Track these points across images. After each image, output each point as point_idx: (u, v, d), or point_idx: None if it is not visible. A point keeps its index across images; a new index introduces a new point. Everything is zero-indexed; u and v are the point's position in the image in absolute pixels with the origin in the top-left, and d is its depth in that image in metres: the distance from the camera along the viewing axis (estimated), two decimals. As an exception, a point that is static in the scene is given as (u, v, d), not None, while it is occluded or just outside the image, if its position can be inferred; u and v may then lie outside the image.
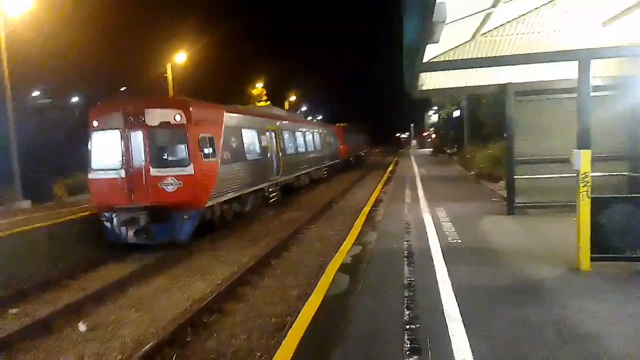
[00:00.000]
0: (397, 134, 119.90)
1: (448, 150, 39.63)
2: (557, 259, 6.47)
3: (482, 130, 25.95)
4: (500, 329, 4.44)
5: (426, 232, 8.72)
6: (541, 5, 8.03)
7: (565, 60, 7.09)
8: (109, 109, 11.03)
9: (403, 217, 10.48)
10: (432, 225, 9.36)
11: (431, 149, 51.08)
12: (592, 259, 5.93)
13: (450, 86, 10.57)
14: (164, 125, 10.58)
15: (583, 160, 5.94)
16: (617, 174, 9.30)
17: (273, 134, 16.50)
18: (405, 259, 6.99)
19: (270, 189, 15.82)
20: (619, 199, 6.28)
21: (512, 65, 9.26)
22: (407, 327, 4.57)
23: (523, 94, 9.91)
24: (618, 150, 9.40)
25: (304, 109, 70.98)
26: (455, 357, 3.93)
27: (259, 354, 5.58)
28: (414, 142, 79.11)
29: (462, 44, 9.10)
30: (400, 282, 5.92)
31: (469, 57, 9.31)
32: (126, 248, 10.89)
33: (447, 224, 9.36)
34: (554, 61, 7.70)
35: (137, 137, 10.60)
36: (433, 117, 57.78)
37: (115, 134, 10.73)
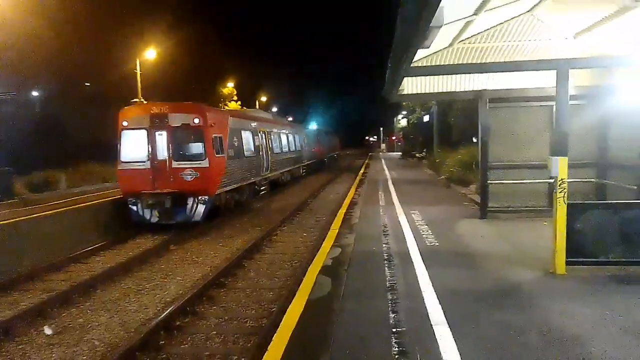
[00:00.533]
0: (366, 137, 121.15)
1: (417, 154, 40.24)
2: (532, 262, 6.62)
3: (452, 136, 26.50)
4: (485, 332, 4.49)
5: (404, 235, 8.77)
6: (519, 15, 8.24)
7: (545, 69, 7.28)
8: (138, 112, 13.28)
9: (379, 220, 10.53)
10: (409, 228, 9.44)
11: (400, 153, 52.01)
12: (567, 263, 6.10)
13: (427, 91, 10.71)
14: (185, 126, 12.83)
15: (560, 166, 6.10)
16: (585, 181, 9.64)
17: (263, 135, 18.95)
18: (385, 261, 7.00)
19: (261, 183, 18.40)
20: (593, 205, 6.51)
21: (495, 72, 9.48)
22: (394, 330, 4.55)
23: (497, 100, 10.13)
24: (586, 157, 9.73)
25: (274, 109, 70.66)
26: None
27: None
28: (383, 145, 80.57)
29: (439, 50, 9.24)
30: (383, 285, 5.92)
31: (447, 63, 9.49)
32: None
33: (424, 227, 9.46)
34: (534, 70, 7.91)
35: (162, 136, 12.78)
36: (402, 121, 58.54)
37: (142, 133, 12.83)
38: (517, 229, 9.15)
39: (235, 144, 14.99)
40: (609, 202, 7.48)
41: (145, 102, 22.17)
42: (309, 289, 5.83)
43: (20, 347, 6.28)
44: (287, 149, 23.78)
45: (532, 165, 10.15)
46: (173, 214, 12.74)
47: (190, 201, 12.73)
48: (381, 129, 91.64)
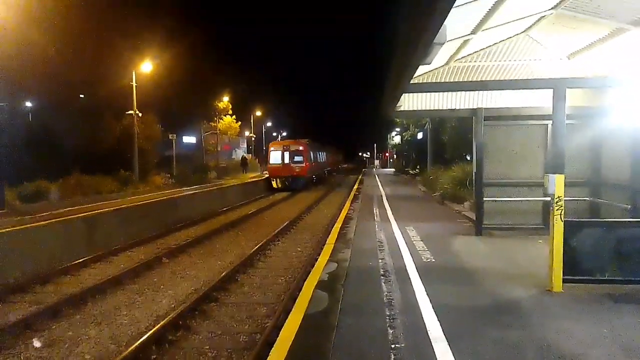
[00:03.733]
0: (360, 153, 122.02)
1: (411, 171, 40.41)
2: (529, 279, 6.62)
3: (445, 153, 26.66)
4: (484, 349, 4.44)
5: (400, 251, 8.74)
6: (514, 35, 8.39)
7: (542, 88, 7.39)
8: (277, 144, 34.76)
9: (375, 235, 10.50)
10: (405, 243, 9.41)
11: (393, 169, 52.34)
12: (564, 281, 6.09)
13: (424, 108, 10.80)
14: (296, 148, 32.80)
15: (557, 184, 6.14)
16: (579, 199, 9.72)
17: (316, 152, 38.40)
18: (382, 277, 6.96)
19: (314, 177, 37.13)
20: (590, 223, 6.54)
21: (493, 90, 9.59)
22: (393, 346, 4.50)
23: (492, 119, 10.23)
24: (580, 176, 9.83)
25: (269, 124, 70.88)
26: (444, 378, 3.90)
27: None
28: (377, 161, 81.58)
29: (436, 68, 9.37)
30: (381, 300, 5.87)
31: (443, 81, 9.60)
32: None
33: (419, 243, 9.44)
34: (531, 88, 8.03)
35: (287, 153, 31.93)
36: (396, 138, 58.93)
37: (279, 152, 32.35)
38: (512, 247, 9.16)
39: (311, 156, 34.54)
40: (606, 220, 7.53)
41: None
42: (305, 304, 5.77)
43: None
44: (320, 160, 41.57)
45: (527, 183, 10.22)
46: (289, 185, 31.61)
47: (297, 179, 32.01)
48: (374, 145, 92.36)
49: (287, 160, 32.00)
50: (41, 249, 10.98)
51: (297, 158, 32.25)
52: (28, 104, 37.82)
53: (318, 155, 39.34)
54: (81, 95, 34.20)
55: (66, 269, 10.54)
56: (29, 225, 11.28)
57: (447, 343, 4.53)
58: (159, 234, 14.96)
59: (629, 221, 7.06)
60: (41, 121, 28.55)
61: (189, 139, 46.53)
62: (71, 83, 28.67)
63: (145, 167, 28.11)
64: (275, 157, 32.32)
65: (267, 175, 33.67)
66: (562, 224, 6.08)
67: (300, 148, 32.76)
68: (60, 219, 12.45)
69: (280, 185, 31.66)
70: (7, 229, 10.62)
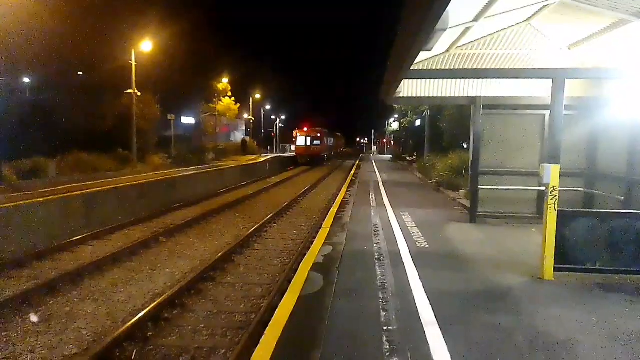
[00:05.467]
0: (358, 139, 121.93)
1: (408, 158, 40.46)
2: (521, 267, 6.71)
3: (443, 140, 26.68)
4: (474, 334, 4.54)
5: (394, 236, 8.83)
6: (516, 23, 8.35)
7: (542, 78, 7.41)
8: (301, 131, 48.46)
9: (370, 220, 10.58)
10: (400, 229, 9.50)
11: (391, 156, 52.67)
12: (555, 269, 6.20)
13: (423, 95, 10.78)
14: (315, 134, 48.36)
15: (552, 174, 6.20)
16: (573, 190, 9.79)
17: (326, 138, 51.90)
18: (376, 261, 7.05)
19: (327, 156, 53.95)
20: (583, 213, 6.62)
21: (493, 78, 9.57)
22: (385, 328, 4.59)
23: (491, 107, 10.24)
24: (575, 167, 9.88)
25: (267, 107, 70.50)
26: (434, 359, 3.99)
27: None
28: (374, 147, 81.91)
29: (436, 55, 9.33)
30: (374, 284, 5.96)
31: (443, 68, 9.58)
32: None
33: (414, 229, 9.53)
34: (531, 77, 8.03)
35: (308, 138, 47.46)
36: (394, 124, 58.82)
37: (303, 137, 48.14)
38: (506, 235, 9.26)
39: (325, 141, 49.98)
40: (598, 210, 7.61)
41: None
42: (300, 285, 5.86)
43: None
44: (330, 144, 55.63)
45: (522, 173, 10.28)
46: (310, 161, 45.85)
47: (315, 157, 47.17)
48: (373, 130, 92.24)
49: (308, 143, 47.72)
50: (38, 225, 11.04)
51: (315, 142, 48.15)
52: (26, 79, 37.49)
53: (328, 140, 55.33)
54: (80, 73, 33.93)
55: (63, 246, 10.61)
56: (26, 202, 11.32)
57: (438, 327, 4.63)
58: (156, 213, 15.03)
59: (621, 212, 7.14)
60: (39, 98, 28.33)
61: (188, 120, 46.33)
62: (70, 60, 28.41)
63: (144, 147, 28.06)
64: (300, 141, 48.00)
65: (264, 158, 39.04)
66: (555, 213, 6.15)
67: (318, 135, 48.55)
68: (58, 196, 12.49)
69: (303, 161, 46.14)
70: (5, 205, 10.66)
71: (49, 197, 12.06)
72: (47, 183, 16.27)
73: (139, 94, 26.19)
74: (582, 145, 10.00)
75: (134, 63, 25.07)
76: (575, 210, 7.11)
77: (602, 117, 9.32)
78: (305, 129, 48.65)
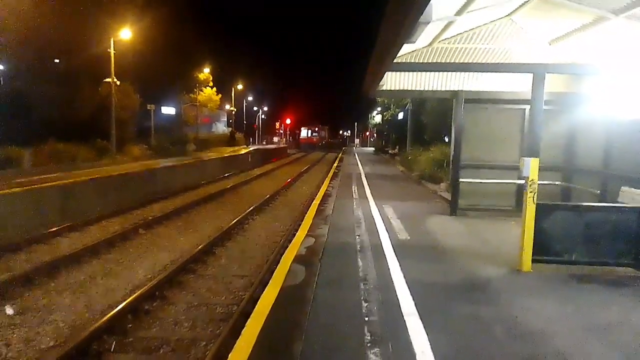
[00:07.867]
0: (341, 132, 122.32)
1: (390, 151, 40.71)
2: (499, 259, 6.84)
3: (425, 134, 26.90)
4: (454, 324, 4.62)
5: (376, 228, 8.89)
6: (498, 18, 8.42)
7: (522, 72, 7.49)
8: (305, 127, 76.87)
9: (353, 213, 10.63)
10: (382, 221, 9.56)
11: (373, 149, 52.89)
12: (533, 261, 6.32)
13: (406, 88, 10.82)
14: (314, 130, 74.97)
15: (532, 167, 6.30)
16: (551, 184, 9.99)
17: (321, 132, 76.20)
18: (358, 252, 7.09)
19: (321, 144, 73.80)
20: (561, 206, 6.75)
21: (475, 72, 9.64)
22: (367, 319, 4.63)
23: (472, 101, 10.34)
24: (553, 161, 10.06)
25: (250, 98, 70.05)
26: (415, 349, 4.04)
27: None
28: (357, 140, 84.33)
29: (419, 49, 9.35)
30: (356, 275, 6.00)
31: (426, 61, 9.62)
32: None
33: (396, 221, 9.61)
34: (512, 71, 8.10)
35: (309, 131, 75.35)
36: (377, 117, 59.02)
37: (307, 130, 76.29)
38: (486, 227, 9.41)
39: (320, 134, 74.62)
40: (576, 204, 7.77)
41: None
42: (283, 277, 5.86)
43: None
44: (323, 136, 75.53)
45: (502, 166, 10.43)
46: (309, 147, 68.41)
47: (314, 145, 69.77)
48: (355, 123, 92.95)
49: (310, 135, 72.25)
50: (12, 216, 10.78)
51: (314, 134, 72.39)
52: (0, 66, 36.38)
53: (322, 133, 75.15)
54: (56, 60, 33.02)
55: (39, 237, 10.39)
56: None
57: (418, 317, 4.68)
58: (136, 205, 14.82)
59: (596, 205, 7.30)
60: (13, 85, 27.51)
61: (168, 110, 45.68)
62: (46, 47, 27.58)
63: (123, 137, 27.58)
64: (304, 133, 73.60)
65: (245, 150, 40.28)
66: (534, 206, 6.26)
67: (317, 129, 73.40)
68: (33, 186, 12.20)
69: (304, 147, 65.54)
70: None
71: (23, 188, 11.77)
72: (21, 173, 15.88)
73: (118, 83, 25.66)
74: (561, 140, 10.19)
75: (112, 51, 24.53)
76: (553, 203, 7.24)
77: (580, 113, 9.51)
78: (308, 125, 73.83)
